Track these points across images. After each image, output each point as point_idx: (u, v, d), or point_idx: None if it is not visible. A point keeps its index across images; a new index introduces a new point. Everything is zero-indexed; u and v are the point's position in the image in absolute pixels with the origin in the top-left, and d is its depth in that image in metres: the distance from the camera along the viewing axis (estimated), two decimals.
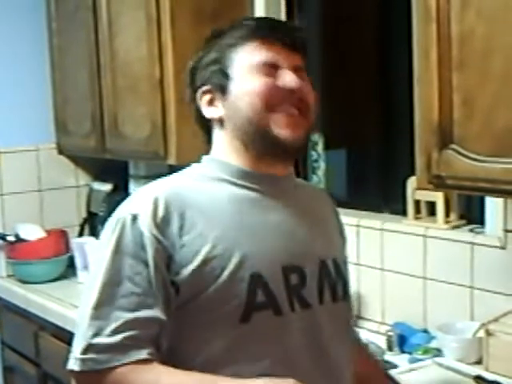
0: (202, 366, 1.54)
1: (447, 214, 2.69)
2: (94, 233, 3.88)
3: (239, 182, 1.66)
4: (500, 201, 2.44)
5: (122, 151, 3.43)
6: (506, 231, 2.44)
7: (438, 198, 2.67)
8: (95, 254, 1.64)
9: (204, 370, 1.53)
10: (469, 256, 2.53)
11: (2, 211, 3.76)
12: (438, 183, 2.06)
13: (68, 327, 3.14)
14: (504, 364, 2.27)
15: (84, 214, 3.97)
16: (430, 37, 1.99)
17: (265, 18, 1.76)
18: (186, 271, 1.53)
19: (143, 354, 1.50)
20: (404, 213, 2.80)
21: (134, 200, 1.62)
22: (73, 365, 1.52)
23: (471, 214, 2.71)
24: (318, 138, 3.28)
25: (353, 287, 2.84)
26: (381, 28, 3.08)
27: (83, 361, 1.50)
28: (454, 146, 1.99)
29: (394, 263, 2.77)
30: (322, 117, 3.36)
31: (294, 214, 1.69)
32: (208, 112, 1.70)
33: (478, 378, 2.25)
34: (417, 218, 2.77)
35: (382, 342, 2.59)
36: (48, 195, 3.88)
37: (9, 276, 3.75)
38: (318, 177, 3.29)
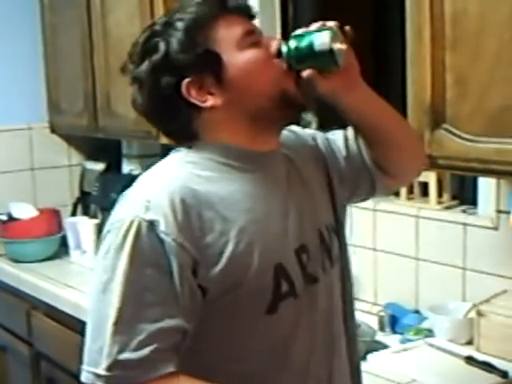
0: (223, 361, 1.52)
1: (440, 195, 2.69)
2: (87, 212, 3.88)
3: (241, 164, 1.57)
4: (493, 181, 2.43)
5: (114, 130, 3.41)
6: (499, 212, 2.44)
7: (431, 178, 2.67)
8: (100, 262, 1.48)
9: (224, 365, 1.51)
10: (461, 237, 2.53)
11: None
12: (430, 163, 2.04)
13: (60, 306, 3.14)
14: (495, 344, 2.28)
15: (77, 193, 3.96)
16: (423, 16, 1.98)
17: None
18: (213, 273, 1.47)
19: (170, 367, 1.43)
20: (396, 193, 2.79)
21: (144, 202, 1.46)
22: (95, 381, 1.42)
23: (464, 195, 2.70)
24: (311, 118, 3.26)
25: None
26: (374, 7, 3.06)
27: (109, 378, 1.41)
28: (446, 125, 1.98)
29: (386, 244, 2.77)
30: (316, 96, 3.35)
31: (291, 190, 1.64)
32: (203, 102, 1.53)
33: (469, 358, 2.25)
34: (409, 199, 2.76)
35: (373, 323, 2.59)
36: (40, 174, 3.87)
37: (1, 255, 3.73)
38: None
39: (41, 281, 3.35)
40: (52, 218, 3.71)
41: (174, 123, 1.59)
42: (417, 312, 2.62)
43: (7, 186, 3.78)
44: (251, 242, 1.50)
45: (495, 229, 2.45)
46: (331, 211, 1.74)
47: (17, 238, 3.62)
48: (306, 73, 1.57)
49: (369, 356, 2.33)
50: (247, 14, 1.58)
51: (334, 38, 1.57)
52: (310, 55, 1.56)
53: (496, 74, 1.87)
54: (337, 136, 1.84)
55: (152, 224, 1.43)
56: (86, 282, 3.32)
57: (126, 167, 3.67)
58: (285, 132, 1.70)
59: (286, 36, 1.61)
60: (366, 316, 2.68)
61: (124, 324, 1.42)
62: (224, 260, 1.47)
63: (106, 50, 3.35)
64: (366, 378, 2.10)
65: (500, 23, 1.83)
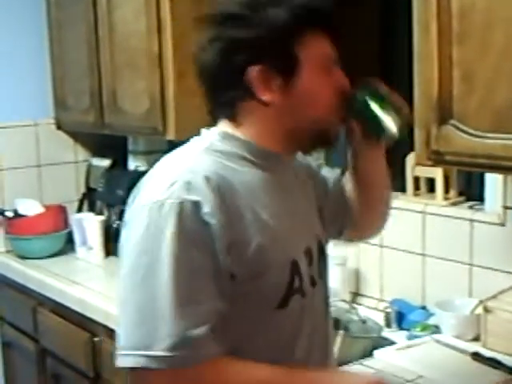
0: (231, 352, 1.50)
1: (446, 191, 2.68)
2: (93, 208, 3.88)
3: (262, 162, 1.58)
4: (500, 177, 2.43)
5: (120, 126, 3.41)
6: (506, 208, 2.43)
7: (438, 174, 2.66)
8: (135, 245, 1.47)
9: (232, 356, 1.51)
10: (468, 233, 2.52)
11: (0, 187, 3.75)
12: (437, 159, 2.04)
13: (66, 303, 3.14)
14: (502, 341, 2.27)
15: (83, 190, 3.96)
16: (430, 10, 1.97)
17: None
18: (243, 259, 1.49)
19: (224, 346, 1.46)
20: (403, 189, 2.79)
21: (183, 184, 1.46)
22: (149, 364, 1.41)
23: (471, 191, 2.70)
24: None
25: (351, 264, 2.86)
26: (381, 2, 3.05)
27: (171, 358, 1.40)
28: (453, 121, 1.97)
29: (392, 240, 2.76)
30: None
31: (298, 197, 1.70)
32: (263, 93, 1.54)
33: (475, 354, 2.25)
34: (416, 195, 2.76)
35: (380, 319, 2.59)
36: (47, 171, 3.87)
37: (7, 251, 3.74)
38: (317, 153, 3.27)
39: (47, 277, 3.36)
40: (58, 215, 3.72)
41: (223, 92, 1.59)
42: (423, 308, 2.62)
43: (13, 182, 3.78)
44: (274, 236, 1.53)
45: (502, 225, 2.44)
46: (321, 227, 1.79)
47: (23, 235, 3.63)
48: (355, 125, 1.70)
49: (375, 352, 2.33)
50: (337, 38, 1.61)
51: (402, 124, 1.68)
52: (374, 123, 1.68)
53: (503, 70, 1.85)
54: (331, 172, 1.93)
55: (196, 205, 1.44)
56: (92, 278, 3.33)
57: (132, 163, 3.67)
58: None
59: None
60: (372, 312, 2.69)
61: (180, 305, 1.41)
62: (252, 249, 1.49)
63: (112, 47, 3.34)
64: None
65: (507, 18, 1.82)
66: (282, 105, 1.55)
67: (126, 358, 1.44)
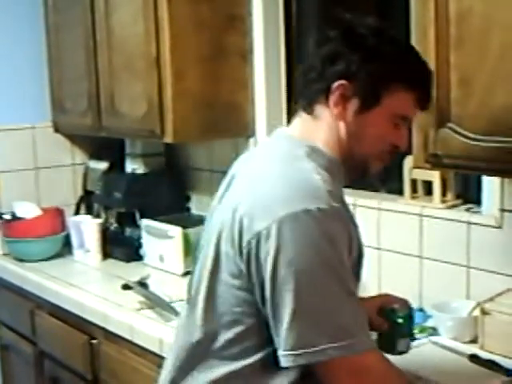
0: None
1: (444, 194, 2.69)
2: (90, 211, 3.88)
3: (337, 175, 1.72)
4: (496, 180, 2.44)
5: (118, 129, 3.42)
6: (503, 211, 2.44)
7: (435, 177, 2.67)
8: (312, 252, 1.55)
9: None
10: (465, 235, 2.53)
11: None
12: (434, 162, 2.06)
13: (64, 305, 3.14)
14: (499, 343, 2.28)
15: (80, 193, 3.96)
16: (428, 15, 1.98)
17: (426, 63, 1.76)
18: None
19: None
20: (400, 192, 2.80)
21: (327, 192, 1.59)
22: (345, 352, 1.54)
23: (468, 194, 2.71)
24: None
25: None
26: (378, 6, 3.06)
27: (360, 344, 1.56)
28: (450, 124, 1.99)
29: (390, 242, 2.77)
30: None
31: None
32: (335, 105, 1.68)
33: (473, 356, 2.26)
34: (413, 198, 2.76)
35: None
36: (44, 173, 3.88)
37: (5, 254, 3.74)
38: None
39: (44, 280, 3.36)
40: (55, 217, 3.72)
41: (311, 84, 1.72)
42: (421, 310, 2.62)
43: (11, 185, 3.78)
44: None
45: (499, 227, 2.45)
46: None
47: (20, 237, 3.63)
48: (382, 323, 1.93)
49: None
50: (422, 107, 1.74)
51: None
52: (397, 335, 1.96)
53: (500, 74, 1.87)
54: None
55: (340, 211, 1.60)
56: (90, 280, 3.33)
57: (130, 166, 3.67)
58: None
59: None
60: None
61: (349, 298, 1.58)
62: (355, 252, 1.66)
63: (110, 49, 3.35)
64: None
65: (505, 22, 1.84)
66: (345, 125, 1.69)
67: (302, 355, 1.55)
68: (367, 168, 1.74)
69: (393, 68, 1.67)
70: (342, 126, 1.69)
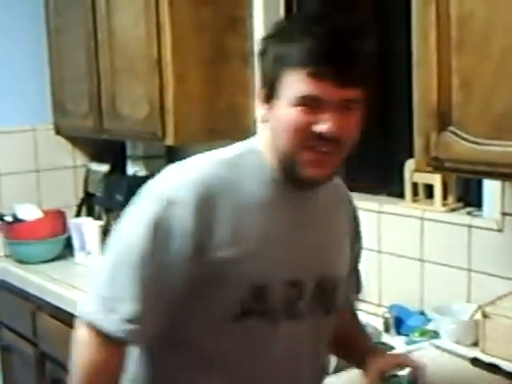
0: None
1: (445, 197, 2.69)
2: (92, 213, 3.88)
3: (274, 186, 1.65)
4: (498, 184, 2.44)
5: (119, 131, 3.42)
6: (504, 214, 2.44)
7: (436, 180, 2.67)
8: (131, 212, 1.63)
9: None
10: (466, 239, 2.53)
11: None
12: (436, 166, 2.05)
13: (65, 307, 3.14)
14: (500, 346, 2.28)
15: (81, 195, 3.97)
16: (429, 18, 1.98)
17: (330, 32, 1.54)
18: (207, 263, 1.57)
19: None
20: (401, 195, 2.80)
21: (172, 181, 1.61)
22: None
23: (469, 197, 2.71)
24: None
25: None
26: (379, 10, 3.06)
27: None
28: (452, 128, 1.99)
29: (391, 245, 2.77)
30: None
31: (312, 225, 1.71)
32: (260, 106, 1.65)
33: (474, 360, 2.26)
34: (414, 201, 2.76)
35: (378, 324, 2.59)
36: (45, 175, 3.88)
37: (6, 256, 3.74)
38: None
39: (46, 282, 3.36)
40: (57, 219, 3.72)
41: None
42: (422, 313, 2.63)
43: (12, 187, 3.78)
44: (246, 255, 1.59)
45: (500, 231, 2.45)
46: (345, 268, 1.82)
47: (22, 239, 3.63)
48: None
49: None
50: (347, 81, 1.55)
51: None
52: None
53: (502, 77, 1.86)
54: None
55: (173, 202, 1.59)
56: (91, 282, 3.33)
57: (131, 168, 3.67)
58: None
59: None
60: (371, 317, 2.69)
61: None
62: (215, 257, 1.57)
63: (111, 51, 3.35)
64: None
65: (506, 26, 1.83)
66: (270, 124, 1.62)
67: None
68: (296, 161, 1.57)
69: (277, 54, 1.58)
70: (266, 124, 1.64)
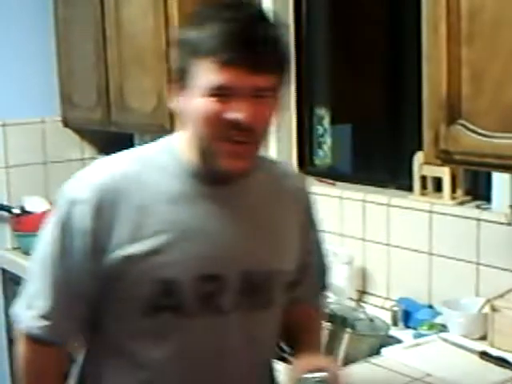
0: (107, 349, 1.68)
1: (453, 190, 2.68)
2: None
3: (187, 180, 1.63)
4: (507, 177, 2.43)
5: (127, 124, 3.42)
6: None
7: (445, 173, 2.66)
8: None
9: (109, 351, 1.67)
10: (475, 232, 2.53)
11: (7, 184, 3.77)
12: (445, 158, 2.05)
13: None
14: (509, 340, 2.28)
15: None
16: (439, 11, 1.97)
17: (239, 22, 1.51)
18: (109, 261, 1.58)
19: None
20: (410, 188, 2.79)
21: (77, 182, 1.64)
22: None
23: (478, 190, 2.70)
24: (324, 113, 3.27)
25: (358, 263, 2.86)
26: (389, 2, 3.05)
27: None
28: (462, 121, 1.98)
29: (399, 239, 2.77)
30: (329, 91, 3.36)
31: (235, 219, 1.66)
32: (171, 100, 1.63)
33: (483, 353, 2.25)
34: (423, 194, 2.76)
35: (387, 318, 2.59)
36: (53, 168, 3.88)
37: (14, 248, 3.75)
38: (324, 151, 3.29)
39: None
40: None
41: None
42: (430, 307, 2.62)
43: (20, 179, 3.79)
44: (154, 249, 1.58)
45: (509, 224, 2.44)
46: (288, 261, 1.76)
47: (29, 232, 3.62)
48: None
49: (383, 350, 2.34)
50: (258, 68, 1.52)
51: None
52: None
53: None
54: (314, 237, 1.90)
55: (73, 203, 1.63)
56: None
57: None
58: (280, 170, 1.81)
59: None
60: (379, 311, 2.70)
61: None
62: (120, 255, 1.58)
63: (120, 44, 3.35)
64: (380, 373, 2.11)
65: None
66: (186, 116, 1.60)
67: None
68: (213, 152, 1.55)
69: (188, 43, 1.56)
70: (183, 116, 1.62)
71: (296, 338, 1.84)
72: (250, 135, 1.55)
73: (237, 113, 1.52)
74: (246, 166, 1.59)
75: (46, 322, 1.62)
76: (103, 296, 1.63)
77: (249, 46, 1.50)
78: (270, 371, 1.82)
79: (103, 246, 1.58)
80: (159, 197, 1.60)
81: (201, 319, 1.63)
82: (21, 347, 1.68)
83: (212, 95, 1.52)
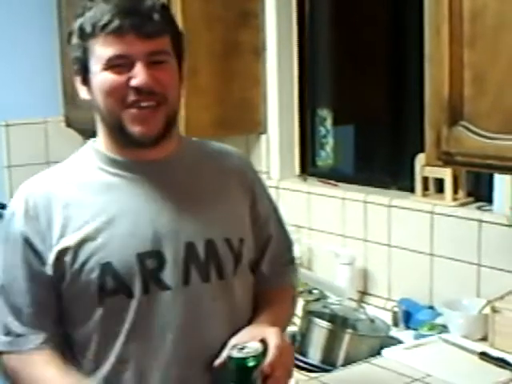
0: (75, 345, 1.72)
1: (455, 191, 2.69)
2: None
3: (111, 169, 1.71)
4: (508, 178, 2.44)
5: None
6: None
7: (447, 174, 2.67)
8: None
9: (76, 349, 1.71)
10: (476, 233, 2.53)
11: (9, 183, 3.77)
12: (447, 160, 2.06)
13: None
14: (509, 341, 2.28)
15: None
16: (442, 13, 1.98)
17: None
18: (50, 261, 1.65)
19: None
20: (412, 189, 2.80)
21: (17, 193, 1.75)
22: None
23: (479, 192, 2.70)
24: (326, 114, 3.27)
25: (359, 263, 2.87)
26: (392, 4, 3.06)
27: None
28: (463, 122, 1.99)
29: (401, 240, 2.77)
30: (331, 92, 3.37)
31: (164, 197, 1.71)
32: (80, 91, 1.73)
33: (483, 354, 2.26)
34: (425, 195, 2.76)
35: (387, 318, 2.60)
36: None
37: None
38: (326, 152, 3.29)
39: None
40: None
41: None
42: (431, 308, 2.63)
43: (22, 179, 3.71)
44: (86, 238, 1.65)
45: (510, 226, 2.44)
46: (242, 227, 1.80)
47: None
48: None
49: (383, 351, 2.34)
50: (146, 33, 1.62)
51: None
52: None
53: None
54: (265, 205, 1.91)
55: (12, 214, 1.75)
56: None
57: None
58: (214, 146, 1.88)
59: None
60: (380, 311, 2.70)
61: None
62: (56, 251, 1.65)
63: None
64: (381, 373, 2.11)
65: None
66: (93, 102, 1.69)
67: None
68: (122, 121, 1.64)
69: (77, 29, 1.66)
70: (92, 103, 1.71)
71: (254, 310, 1.83)
72: (153, 99, 1.63)
73: (136, 78, 1.61)
74: (156, 131, 1.66)
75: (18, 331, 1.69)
76: (61, 296, 1.69)
77: (135, 13, 1.62)
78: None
79: (41, 249, 1.66)
80: (84, 191, 1.69)
81: (147, 296, 1.65)
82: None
83: (110, 67, 1.62)
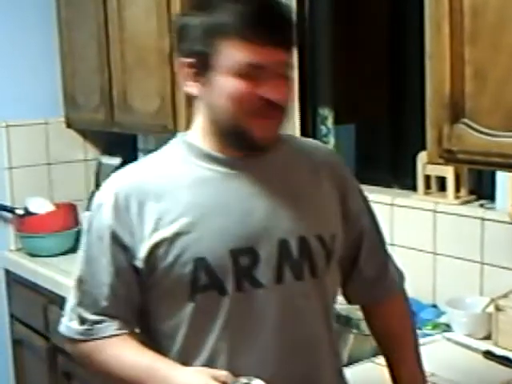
0: (161, 338, 1.68)
1: (457, 189, 2.68)
2: None
3: (205, 164, 1.66)
4: (511, 176, 2.43)
5: (130, 125, 3.42)
6: None
7: (449, 173, 2.66)
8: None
9: (163, 342, 1.68)
10: (479, 231, 2.52)
11: (10, 184, 3.77)
12: (448, 158, 2.04)
13: None
14: None
15: (92, 188, 3.96)
16: (442, 9, 1.97)
17: (255, 1, 1.59)
18: (141, 255, 1.62)
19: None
20: (414, 188, 2.79)
21: (105, 185, 1.72)
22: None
23: (481, 190, 2.70)
24: (327, 113, 3.27)
25: None
26: (392, 1, 3.05)
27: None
28: (465, 120, 1.97)
29: (403, 238, 2.76)
30: (332, 91, 3.36)
31: (259, 192, 1.67)
32: (187, 86, 1.65)
33: (487, 353, 2.25)
34: (427, 193, 2.76)
35: None
36: (57, 169, 3.88)
37: (18, 249, 3.76)
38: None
39: (57, 275, 3.37)
40: (68, 213, 3.73)
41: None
42: (434, 306, 2.62)
43: (24, 180, 3.79)
44: (180, 232, 1.61)
45: None
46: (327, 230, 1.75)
47: (33, 233, 3.64)
48: None
49: None
50: (280, 43, 1.59)
51: None
52: None
53: None
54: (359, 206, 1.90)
55: (100, 206, 1.72)
56: None
57: None
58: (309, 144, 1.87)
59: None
60: None
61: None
62: (149, 244, 1.62)
63: (123, 44, 3.35)
64: (385, 373, 2.10)
65: None
66: (204, 100, 1.63)
67: None
68: (245, 129, 1.59)
69: (207, 25, 1.59)
70: (198, 103, 1.66)
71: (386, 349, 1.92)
72: (281, 111, 1.61)
73: (271, 91, 1.57)
74: (274, 138, 1.65)
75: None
76: (148, 293, 1.66)
77: (272, 23, 1.56)
78: (329, 345, 1.77)
79: (131, 243, 1.63)
80: (178, 184, 1.65)
81: (241, 294, 1.62)
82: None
83: (243, 73, 1.56)
